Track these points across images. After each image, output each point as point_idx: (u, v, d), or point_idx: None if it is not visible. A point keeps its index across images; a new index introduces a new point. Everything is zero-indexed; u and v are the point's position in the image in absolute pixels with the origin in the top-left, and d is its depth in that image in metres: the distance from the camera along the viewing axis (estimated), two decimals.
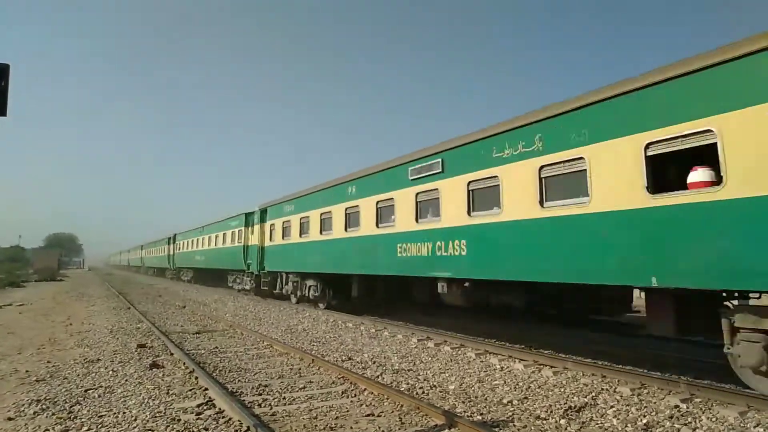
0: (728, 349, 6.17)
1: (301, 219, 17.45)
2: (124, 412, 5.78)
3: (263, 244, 21.18)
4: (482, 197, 9.32)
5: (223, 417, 5.56)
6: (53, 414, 5.75)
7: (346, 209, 14.35)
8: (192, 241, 35.67)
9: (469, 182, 9.57)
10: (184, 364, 8.30)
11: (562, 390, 6.70)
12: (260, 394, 6.57)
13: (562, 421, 5.41)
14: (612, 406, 5.92)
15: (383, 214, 12.63)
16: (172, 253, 43.51)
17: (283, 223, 18.92)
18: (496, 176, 8.91)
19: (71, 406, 6.03)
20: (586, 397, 6.33)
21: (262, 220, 21.49)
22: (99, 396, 6.52)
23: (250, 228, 22.89)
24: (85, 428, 5.28)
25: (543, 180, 7.98)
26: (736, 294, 6.31)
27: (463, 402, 6.17)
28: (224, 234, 27.01)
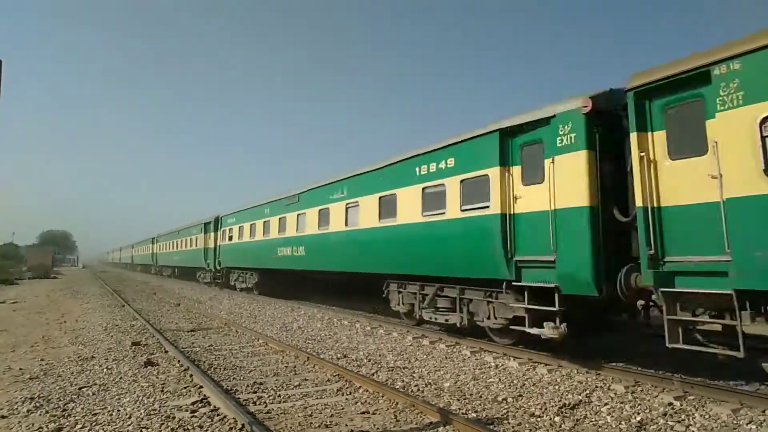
0: None
1: None
2: (119, 410, 5.76)
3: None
4: None
5: (218, 415, 5.55)
6: (47, 412, 5.73)
7: None
8: (262, 223, 20.74)
9: None
10: (179, 361, 8.28)
11: (557, 387, 6.72)
12: (255, 392, 6.56)
13: (557, 419, 5.43)
14: (606, 404, 5.95)
15: None
16: (213, 245, 28.36)
17: None
18: None
19: (65, 404, 6.01)
20: (580, 394, 6.36)
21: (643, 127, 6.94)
22: (93, 394, 6.49)
23: (511, 169, 8.78)
24: (79, 426, 5.25)
25: None
26: None
27: (458, 399, 6.19)
28: (383, 198, 12.17)
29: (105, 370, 7.84)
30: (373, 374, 7.52)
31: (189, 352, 9.21)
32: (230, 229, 25.28)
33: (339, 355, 8.93)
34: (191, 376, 7.34)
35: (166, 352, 9.29)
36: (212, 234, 28.51)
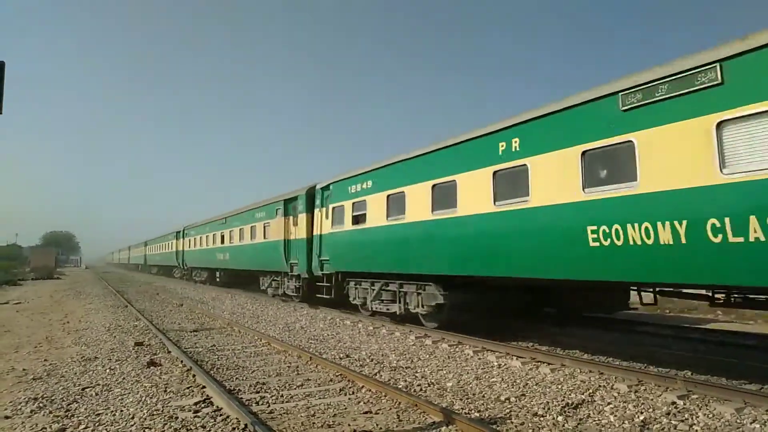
0: None
1: None
2: (122, 410, 5.77)
3: None
4: None
5: (221, 415, 5.56)
6: (50, 412, 5.74)
7: None
8: (566, 162, 7.69)
9: None
10: (182, 362, 8.29)
11: (560, 387, 6.71)
12: (258, 392, 6.57)
13: (560, 418, 5.42)
14: (609, 403, 5.93)
15: None
16: (309, 234, 16.56)
17: None
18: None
19: (68, 405, 6.02)
20: (583, 394, 6.34)
21: None
22: (96, 394, 6.51)
23: None
24: (83, 426, 5.27)
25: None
26: None
27: (461, 399, 6.18)
28: None
29: (108, 370, 7.86)
30: (375, 374, 7.52)
31: (192, 353, 9.22)
32: (356, 204, 13.46)
33: (341, 355, 8.93)
34: (194, 376, 7.35)
35: (169, 352, 9.31)
36: (305, 216, 16.66)
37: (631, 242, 6.61)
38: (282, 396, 6.36)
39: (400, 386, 6.73)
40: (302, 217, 17.04)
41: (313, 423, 5.34)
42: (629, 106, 6.84)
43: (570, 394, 6.33)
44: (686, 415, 5.49)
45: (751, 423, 5.24)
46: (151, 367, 7.99)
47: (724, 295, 7.05)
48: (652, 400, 6.06)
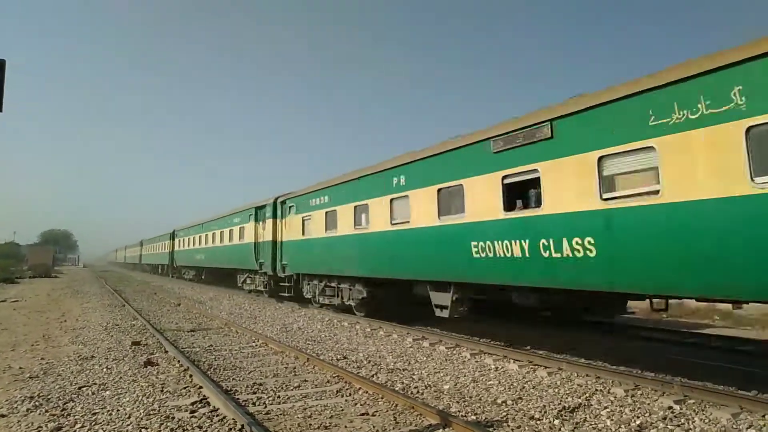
0: None
1: None
2: (118, 410, 5.77)
3: None
4: None
5: (218, 415, 5.55)
6: (46, 411, 5.74)
7: None
8: None
9: None
10: (179, 361, 8.29)
11: (557, 390, 6.71)
12: (255, 393, 6.57)
13: (556, 422, 5.43)
14: (606, 407, 5.94)
15: None
16: None
17: None
18: None
19: (65, 403, 6.02)
20: (580, 397, 6.35)
21: None
22: (93, 393, 6.50)
23: None
24: (79, 425, 5.26)
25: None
26: None
27: (458, 402, 6.18)
28: None
29: (105, 369, 7.85)
30: (372, 376, 7.52)
31: (189, 352, 9.21)
32: None
33: (339, 357, 8.93)
34: (191, 376, 7.35)
35: (166, 352, 9.30)
36: None
37: None
38: (279, 397, 6.37)
39: (397, 388, 6.73)
40: None
41: (310, 424, 5.34)
42: None
43: (567, 398, 6.33)
44: (682, 420, 5.50)
45: (747, 428, 5.25)
46: (148, 367, 7.98)
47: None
48: (648, 404, 6.07)
